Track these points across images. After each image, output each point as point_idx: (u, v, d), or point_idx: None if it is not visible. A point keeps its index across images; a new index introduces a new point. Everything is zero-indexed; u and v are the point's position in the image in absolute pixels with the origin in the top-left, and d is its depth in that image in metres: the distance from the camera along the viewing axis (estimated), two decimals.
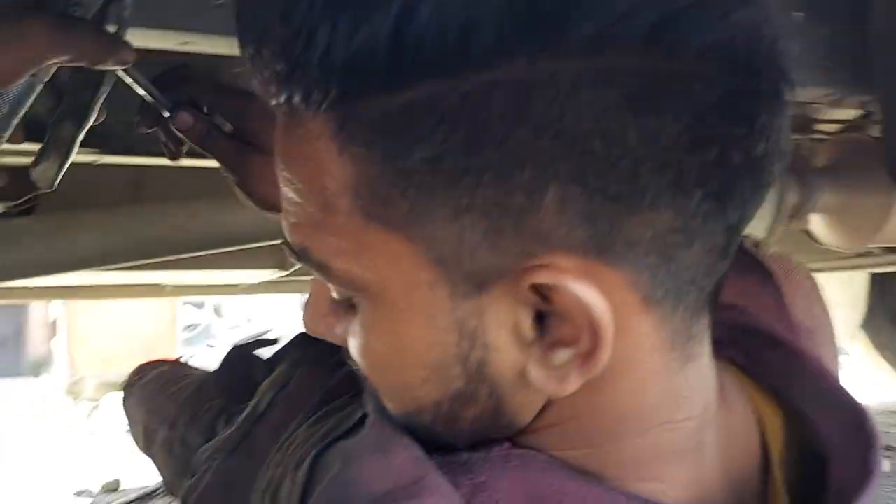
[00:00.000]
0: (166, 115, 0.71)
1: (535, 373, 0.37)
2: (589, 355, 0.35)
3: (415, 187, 0.34)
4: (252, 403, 0.86)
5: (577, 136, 0.32)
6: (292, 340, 0.97)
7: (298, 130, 0.36)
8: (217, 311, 7.21)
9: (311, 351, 0.90)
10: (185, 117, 0.69)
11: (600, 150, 0.32)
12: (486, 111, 0.32)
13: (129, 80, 0.67)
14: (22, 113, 0.61)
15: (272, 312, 6.94)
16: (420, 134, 0.33)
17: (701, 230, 0.35)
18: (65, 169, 0.67)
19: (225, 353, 0.98)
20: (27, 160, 1.69)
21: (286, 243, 0.41)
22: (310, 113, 0.35)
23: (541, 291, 0.35)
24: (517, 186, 0.33)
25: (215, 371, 1.00)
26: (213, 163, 1.17)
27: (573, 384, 0.36)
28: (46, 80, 0.61)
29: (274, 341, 1.02)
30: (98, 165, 1.60)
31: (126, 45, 0.61)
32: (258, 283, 2.37)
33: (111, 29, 0.63)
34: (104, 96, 0.66)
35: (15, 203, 1.65)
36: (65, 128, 0.67)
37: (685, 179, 0.33)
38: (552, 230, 0.33)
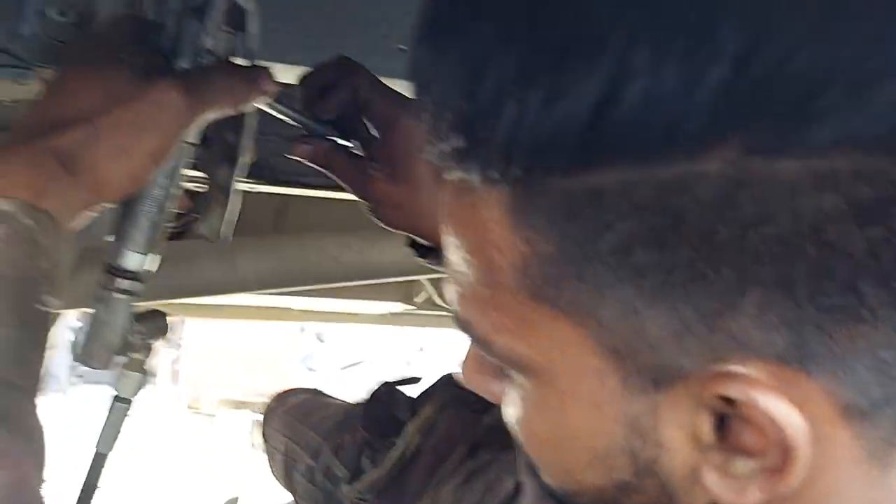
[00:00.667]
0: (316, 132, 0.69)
1: (711, 478, 0.33)
2: (776, 472, 0.32)
3: (593, 274, 0.31)
4: (400, 446, 0.86)
5: (788, 241, 0.28)
6: (438, 381, 0.97)
7: (469, 197, 0.34)
8: (319, 337, 7.39)
9: (457, 394, 0.90)
10: (303, 147, 0.68)
11: (814, 257, 0.28)
12: (685, 204, 0.29)
13: (271, 111, 0.65)
14: (180, 180, 0.59)
15: (373, 341, 7.06)
16: (606, 221, 0.30)
17: None
18: (229, 215, 0.65)
19: (372, 388, 1.00)
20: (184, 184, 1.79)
21: (451, 311, 0.39)
22: (485, 186, 0.33)
23: (727, 398, 0.32)
24: (713, 287, 0.30)
25: (360, 404, 1.01)
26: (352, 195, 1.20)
27: (752, 498, 0.32)
28: (193, 140, 0.59)
29: (418, 380, 1.03)
30: (247, 193, 1.68)
31: (263, 77, 0.58)
32: (380, 314, 2.43)
33: (241, 62, 0.60)
34: (252, 132, 0.64)
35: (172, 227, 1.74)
36: (220, 174, 0.65)
37: None
38: (748, 336, 0.30)
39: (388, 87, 0.70)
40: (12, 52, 0.64)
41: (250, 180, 1.63)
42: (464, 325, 0.38)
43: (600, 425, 0.35)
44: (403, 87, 0.86)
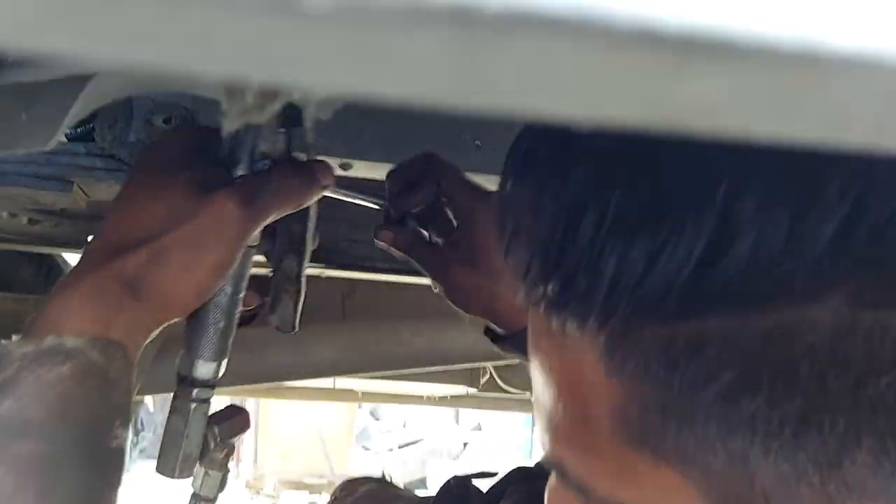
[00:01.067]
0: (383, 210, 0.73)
1: None
2: None
3: (698, 423, 0.30)
4: None
5: None
6: (511, 475, 0.95)
7: (560, 338, 0.33)
8: (373, 414, 7.35)
9: (533, 490, 0.88)
10: (386, 234, 0.70)
11: None
12: (792, 353, 0.28)
13: (343, 197, 0.67)
14: (246, 283, 0.60)
15: (428, 420, 6.97)
16: (709, 370, 0.29)
17: None
18: (301, 306, 0.66)
19: (444, 481, 0.98)
20: (261, 270, 1.84)
21: (542, 450, 0.38)
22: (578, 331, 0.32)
23: None
24: (827, 436, 0.29)
25: (432, 498, 0.99)
26: (418, 280, 1.22)
27: None
28: (257, 244, 0.60)
29: (493, 474, 1.01)
30: (315, 278, 1.73)
31: (322, 170, 0.58)
32: (443, 396, 2.42)
33: (301, 156, 0.60)
34: (315, 221, 0.65)
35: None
36: (289, 265, 0.65)
37: None
38: (864, 483, 0.30)
39: (469, 180, 0.73)
40: (119, 156, 0.68)
41: (319, 265, 1.67)
42: (556, 467, 0.37)
43: None
44: (480, 181, 0.89)
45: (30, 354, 0.46)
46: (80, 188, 0.69)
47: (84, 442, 0.46)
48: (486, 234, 0.69)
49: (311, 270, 1.85)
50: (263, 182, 0.55)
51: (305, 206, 0.59)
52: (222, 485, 0.63)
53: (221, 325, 0.58)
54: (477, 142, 0.88)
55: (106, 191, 0.70)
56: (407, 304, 1.39)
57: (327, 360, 1.27)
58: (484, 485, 0.99)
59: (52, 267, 1.77)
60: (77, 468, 0.45)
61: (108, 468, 0.48)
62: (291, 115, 0.58)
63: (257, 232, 0.57)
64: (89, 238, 1.47)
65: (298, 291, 0.65)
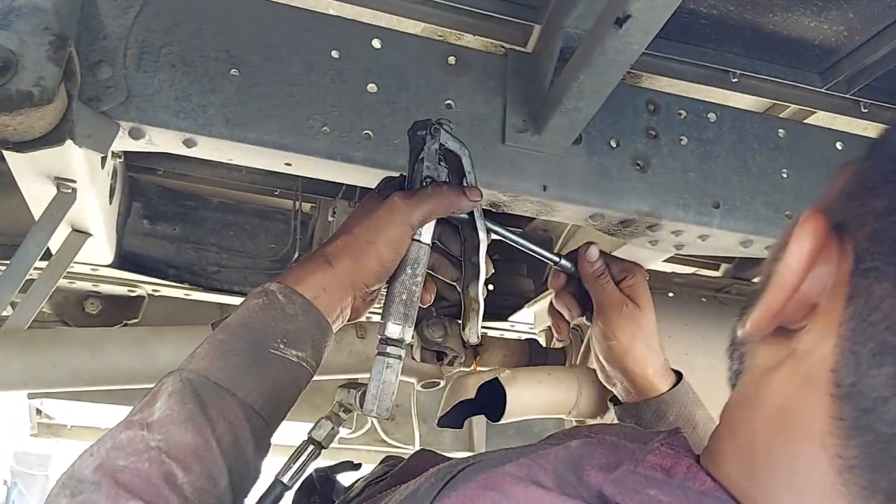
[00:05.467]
0: (555, 261, 0.97)
1: None
2: None
3: None
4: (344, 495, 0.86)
5: None
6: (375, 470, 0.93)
7: None
8: None
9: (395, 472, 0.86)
10: (594, 252, 0.94)
11: None
12: None
13: (505, 240, 0.90)
14: (423, 272, 0.82)
15: None
16: None
17: None
18: (481, 321, 0.87)
19: (307, 475, 0.94)
20: (120, 290, 1.77)
21: None
22: None
23: None
24: None
25: (296, 491, 0.96)
26: None
27: None
28: (431, 241, 0.83)
29: (357, 466, 0.98)
30: (187, 300, 1.67)
31: (469, 189, 0.83)
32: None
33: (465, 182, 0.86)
34: (485, 253, 0.86)
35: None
36: (473, 290, 0.86)
37: None
38: None
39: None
40: None
41: (188, 287, 1.62)
42: None
43: None
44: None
45: (255, 291, 0.75)
46: None
47: (250, 340, 0.70)
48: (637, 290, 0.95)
49: (178, 293, 1.78)
50: (423, 188, 0.82)
51: (456, 213, 0.83)
52: (333, 436, 0.88)
53: (404, 296, 0.80)
54: (324, 127, 0.95)
55: None
56: None
57: (171, 363, 1.27)
58: (347, 477, 0.96)
59: None
60: (239, 353, 0.69)
61: (264, 365, 0.69)
62: (451, 153, 0.87)
63: (425, 229, 0.82)
64: None
65: (479, 309, 0.86)
